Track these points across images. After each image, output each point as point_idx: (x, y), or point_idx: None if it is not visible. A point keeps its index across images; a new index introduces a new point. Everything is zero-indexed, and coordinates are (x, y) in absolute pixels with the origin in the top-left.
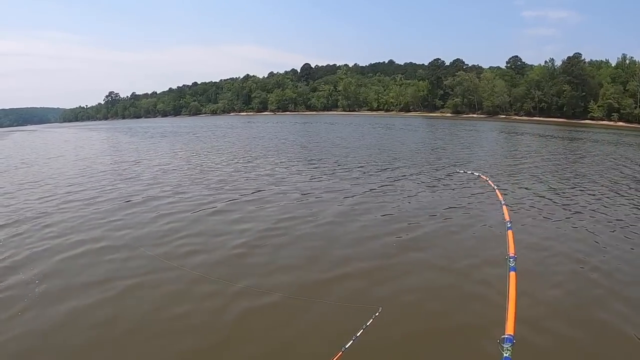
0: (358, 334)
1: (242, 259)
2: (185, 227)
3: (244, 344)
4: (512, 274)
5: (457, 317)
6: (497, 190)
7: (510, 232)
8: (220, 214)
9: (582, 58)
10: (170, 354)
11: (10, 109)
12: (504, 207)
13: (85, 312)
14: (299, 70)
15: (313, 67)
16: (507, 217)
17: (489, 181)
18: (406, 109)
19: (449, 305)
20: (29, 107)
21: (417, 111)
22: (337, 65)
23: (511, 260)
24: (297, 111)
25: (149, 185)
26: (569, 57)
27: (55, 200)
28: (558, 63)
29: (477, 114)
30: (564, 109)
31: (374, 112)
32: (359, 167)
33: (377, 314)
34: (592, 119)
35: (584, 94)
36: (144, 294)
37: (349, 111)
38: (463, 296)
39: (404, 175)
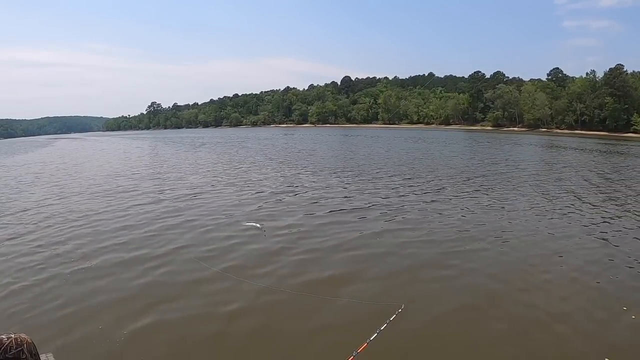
0: (382, 328)
1: (272, 259)
2: (174, 228)
3: (272, 336)
4: None
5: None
6: None
7: None
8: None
9: (625, 69)
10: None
11: (54, 116)
12: None
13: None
14: (339, 83)
15: (353, 79)
16: None
17: None
18: (446, 122)
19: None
20: (72, 115)
21: (457, 124)
22: (377, 77)
23: None
24: (337, 124)
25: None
26: (610, 69)
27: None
28: (600, 75)
29: (518, 127)
30: (606, 122)
31: (414, 125)
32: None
33: (400, 310)
34: (635, 132)
35: (626, 106)
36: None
37: (389, 124)
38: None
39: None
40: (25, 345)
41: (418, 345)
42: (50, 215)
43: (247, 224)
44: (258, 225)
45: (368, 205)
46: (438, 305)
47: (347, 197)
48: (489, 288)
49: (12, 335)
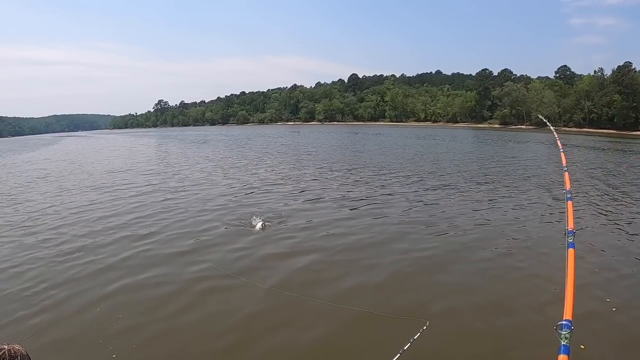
0: (405, 348)
1: (275, 258)
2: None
3: (290, 353)
4: (571, 250)
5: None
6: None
7: (569, 202)
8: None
9: (633, 67)
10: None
11: (62, 114)
12: (566, 173)
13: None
14: (346, 81)
15: (360, 77)
16: (567, 186)
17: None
18: (454, 120)
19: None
20: (80, 113)
21: (464, 122)
22: (384, 75)
23: (570, 235)
24: (345, 121)
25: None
26: (619, 67)
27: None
28: (608, 72)
29: (526, 125)
30: (615, 120)
31: (421, 123)
32: None
33: (424, 328)
34: None
35: (635, 104)
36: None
37: (396, 122)
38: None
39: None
40: (19, 357)
41: None
42: (51, 205)
43: (253, 223)
44: (260, 225)
45: (384, 204)
46: (470, 324)
47: (358, 194)
48: (524, 301)
49: (5, 347)
